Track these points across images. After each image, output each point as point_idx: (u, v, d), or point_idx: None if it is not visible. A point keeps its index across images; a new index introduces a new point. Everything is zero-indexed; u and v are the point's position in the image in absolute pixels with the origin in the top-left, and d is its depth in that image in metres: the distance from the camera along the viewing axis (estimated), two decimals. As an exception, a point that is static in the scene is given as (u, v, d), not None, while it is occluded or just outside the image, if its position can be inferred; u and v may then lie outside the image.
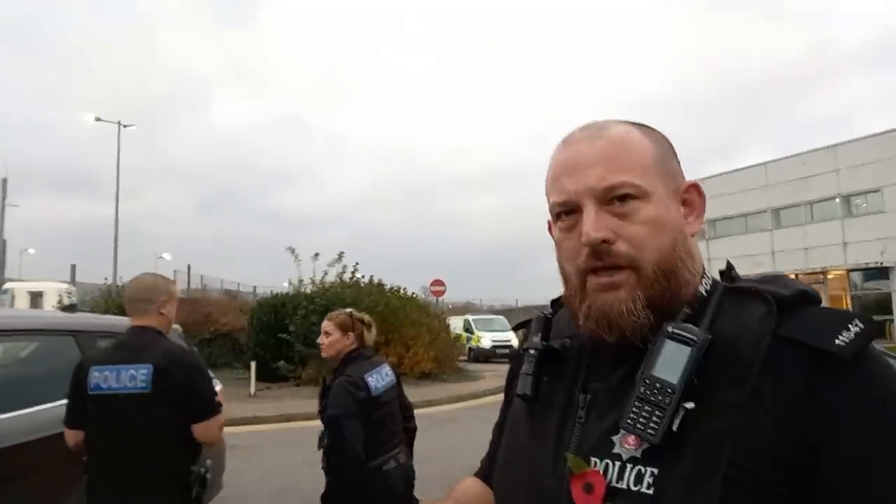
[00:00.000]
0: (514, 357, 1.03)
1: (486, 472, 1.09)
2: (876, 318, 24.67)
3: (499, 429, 1.08)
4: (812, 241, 27.30)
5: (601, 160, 0.83)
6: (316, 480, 6.52)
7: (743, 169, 30.72)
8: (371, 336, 3.44)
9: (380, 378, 3.23)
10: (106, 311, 15.97)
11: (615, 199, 0.82)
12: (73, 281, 26.85)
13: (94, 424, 2.49)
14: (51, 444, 3.52)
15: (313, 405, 11.54)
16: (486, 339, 23.66)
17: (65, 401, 3.53)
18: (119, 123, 27.33)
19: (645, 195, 0.82)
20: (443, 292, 24.17)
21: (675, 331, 0.77)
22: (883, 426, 0.69)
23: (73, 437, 2.58)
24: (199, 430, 2.53)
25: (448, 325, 19.68)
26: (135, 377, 2.43)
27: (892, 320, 24.52)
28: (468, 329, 24.67)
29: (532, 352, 0.93)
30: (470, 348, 23.55)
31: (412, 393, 14.20)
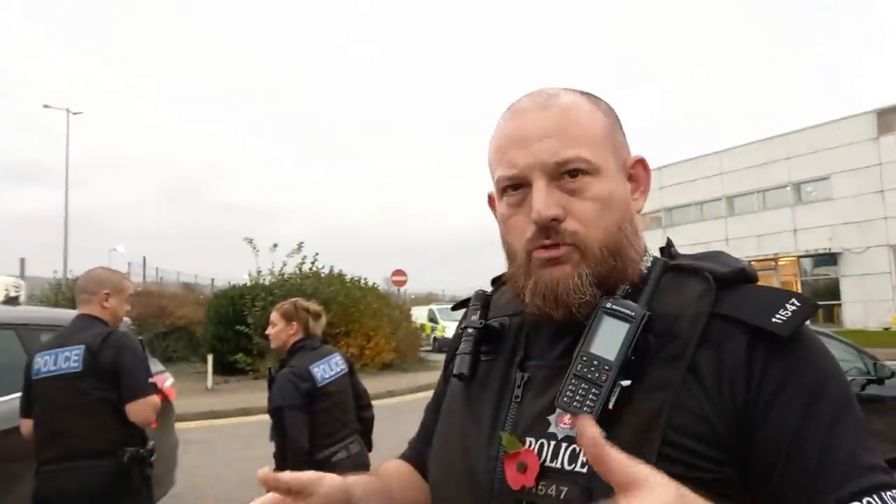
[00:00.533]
0: (453, 337, 1.00)
1: (412, 454, 1.07)
2: (825, 303, 25.58)
3: (431, 410, 1.06)
4: (764, 228, 28.04)
5: (552, 132, 0.80)
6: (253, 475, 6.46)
7: (699, 157, 31.32)
8: (319, 325, 3.42)
9: (328, 368, 3.22)
10: (56, 305, 15.52)
11: (566, 173, 0.79)
12: (21, 274, 25.93)
13: (37, 406, 2.63)
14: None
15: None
16: (450, 329, 23.64)
17: (7, 396, 3.45)
18: (68, 111, 26.45)
19: (595, 171, 0.80)
20: (404, 282, 24.14)
21: (614, 307, 0.76)
22: (818, 404, 0.69)
23: (25, 426, 2.70)
24: (131, 410, 2.59)
25: (410, 315, 19.67)
26: (69, 358, 2.56)
27: (840, 305, 25.40)
28: (433, 319, 24.67)
29: (470, 330, 0.91)
30: (434, 338, 23.54)
31: (373, 383, 14.13)
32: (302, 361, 3.18)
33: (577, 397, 0.73)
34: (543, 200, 0.78)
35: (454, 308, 1.07)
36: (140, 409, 2.61)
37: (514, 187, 0.83)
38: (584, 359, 0.75)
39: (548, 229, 0.78)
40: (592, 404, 0.72)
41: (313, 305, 3.45)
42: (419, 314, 23.10)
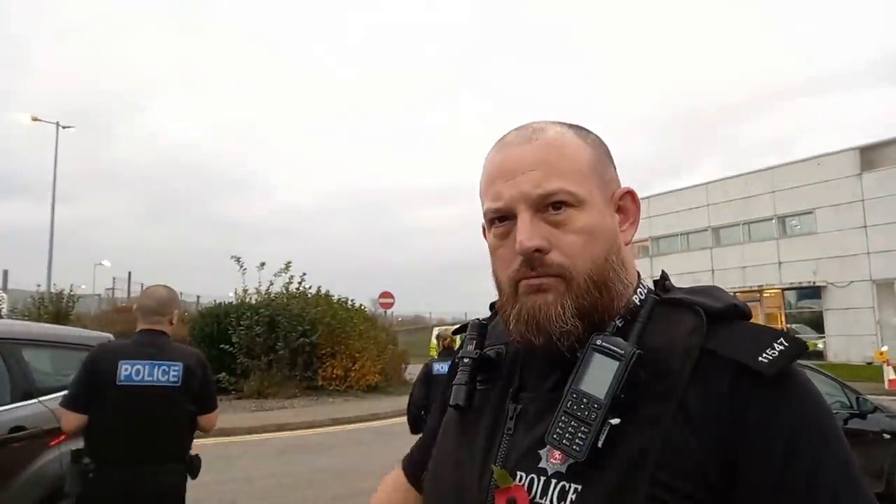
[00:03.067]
0: (451, 364, 1.00)
1: (413, 463, 1.08)
2: (809, 336, 25.76)
3: (430, 431, 1.05)
4: (749, 259, 28.26)
5: (537, 165, 0.81)
6: (254, 497, 6.37)
7: (686, 188, 31.64)
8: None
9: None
10: (38, 319, 15.32)
11: (550, 206, 0.80)
12: (4, 287, 25.62)
13: (118, 411, 2.75)
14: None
15: (255, 418, 11.30)
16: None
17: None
18: (58, 124, 26.28)
19: (580, 203, 0.81)
20: (391, 304, 24.05)
21: (604, 344, 0.76)
22: (799, 445, 0.69)
23: (76, 420, 2.79)
24: (204, 420, 2.98)
25: (396, 338, 19.56)
26: (167, 372, 2.81)
27: (824, 338, 25.56)
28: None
29: (466, 360, 0.91)
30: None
31: (358, 406, 14.08)
32: None
33: (567, 434, 0.73)
34: (527, 232, 0.79)
35: (456, 332, 1.08)
36: (212, 419, 3.04)
37: (500, 219, 0.84)
38: (574, 396, 0.75)
39: (532, 261, 0.79)
40: (582, 442, 0.71)
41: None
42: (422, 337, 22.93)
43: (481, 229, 0.94)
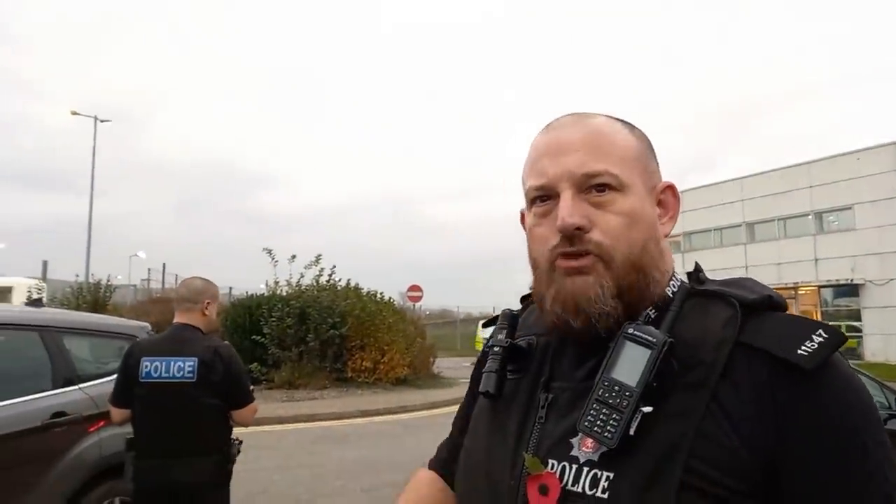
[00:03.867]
0: (480, 354, 1.01)
1: (439, 464, 1.08)
2: (846, 334, 25.11)
3: (459, 420, 1.06)
4: (785, 256, 27.70)
5: (583, 146, 0.82)
6: (285, 486, 6.47)
7: (719, 183, 31.08)
8: None
9: None
10: (77, 308, 15.70)
11: (593, 187, 0.81)
12: (44, 277, 26.27)
13: (145, 406, 2.88)
14: (12, 443, 3.44)
15: (286, 408, 11.41)
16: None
17: (29, 397, 3.52)
18: (96, 118, 26.87)
19: (623, 187, 0.81)
20: (420, 298, 24.13)
21: (636, 332, 0.76)
22: (840, 439, 0.68)
23: (119, 414, 2.98)
24: (237, 415, 3.00)
25: (425, 332, 19.62)
26: (182, 368, 2.85)
27: (861, 337, 24.97)
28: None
29: (497, 349, 0.91)
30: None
31: (387, 398, 14.07)
32: None
33: (599, 422, 0.73)
34: (569, 209, 0.79)
35: (485, 325, 1.08)
36: (246, 414, 3.03)
37: (542, 199, 0.84)
38: (606, 384, 0.74)
39: (572, 238, 0.79)
40: (614, 430, 0.71)
41: None
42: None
43: (519, 216, 0.94)
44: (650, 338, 0.75)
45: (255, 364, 14.10)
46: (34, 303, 4.49)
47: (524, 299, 1.02)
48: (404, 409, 12.05)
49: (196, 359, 2.88)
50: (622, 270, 0.79)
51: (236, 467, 3.11)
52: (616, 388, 0.73)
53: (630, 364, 0.74)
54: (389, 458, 7.75)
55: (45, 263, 26.93)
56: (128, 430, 2.99)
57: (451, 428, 1.11)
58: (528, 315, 0.97)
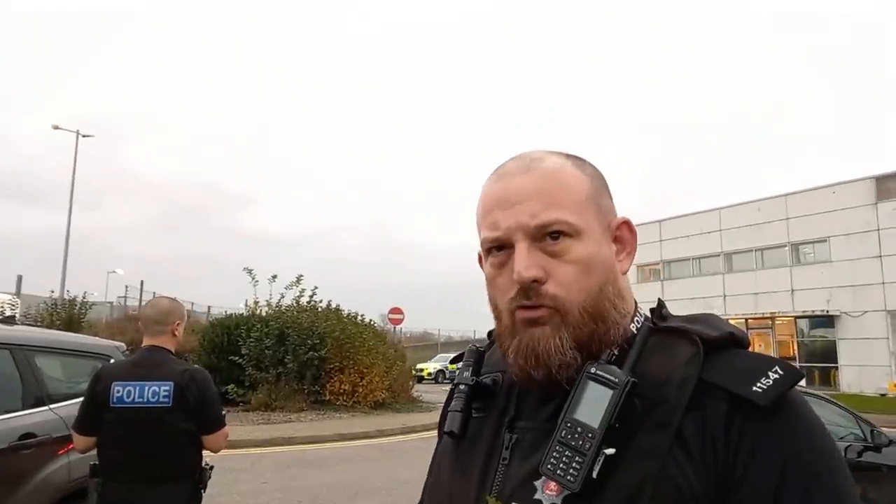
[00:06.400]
0: (449, 392, 1.00)
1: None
2: (821, 365, 25.44)
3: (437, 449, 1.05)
4: (762, 286, 28.03)
5: (534, 195, 0.81)
6: (259, 511, 6.34)
7: (698, 213, 31.50)
8: None
9: None
10: (50, 325, 15.41)
11: (547, 235, 0.80)
12: (17, 292, 25.78)
13: (116, 432, 2.77)
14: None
15: (262, 431, 11.25)
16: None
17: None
18: (78, 133, 26.66)
19: (577, 233, 0.81)
20: (401, 321, 24.05)
21: (598, 372, 0.76)
22: (790, 474, 0.69)
23: (83, 442, 2.86)
24: (208, 440, 2.91)
25: (405, 355, 19.51)
26: (157, 392, 2.77)
27: (836, 368, 25.24)
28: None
29: (462, 387, 0.90)
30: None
31: (365, 422, 13.96)
32: None
33: (562, 464, 0.72)
34: (524, 262, 0.79)
35: (452, 361, 1.07)
36: (218, 440, 2.95)
37: (498, 248, 0.84)
38: (569, 425, 0.74)
39: (528, 290, 0.79)
40: (576, 473, 0.71)
41: None
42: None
43: (477, 258, 0.94)
44: (612, 377, 0.74)
45: (232, 385, 13.91)
46: (7, 320, 4.40)
47: (490, 334, 1.01)
48: (382, 434, 11.92)
49: (172, 383, 2.80)
50: (578, 321, 0.79)
51: (210, 491, 3.06)
52: (579, 429, 0.73)
53: (592, 404, 0.74)
54: (365, 482, 7.65)
55: (19, 278, 26.44)
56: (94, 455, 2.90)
57: (429, 460, 1.08)
58: (494, 351, 0.96)
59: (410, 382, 18.35)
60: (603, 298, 0.81)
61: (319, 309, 15.94)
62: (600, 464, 0.70)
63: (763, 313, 27.39)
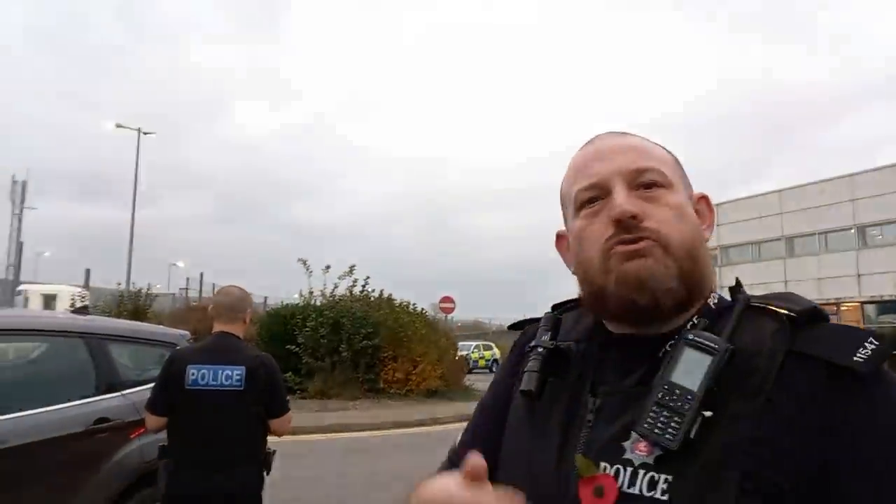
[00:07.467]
0: (513, 352, 1.02)
1: (455, 461, 1.01)
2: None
3: (482, 410, 1.05)
4: (826, 271, 27.05)
5: (630, 150, 0.87)
6: (315, 496, 6.51)
7: (758, 196, 30.55)
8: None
9: None
10: (118, 316, 16.10)
11: (642, 185, 0.84)
12: (86, 285, 27.03)
13: (189, 413, 2.91)
14: (57, 447, 3.54)
15: (319, 418, 11.46)
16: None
17: (73, 402, 3.61)
18: (139, 130, 27.71)
19: (670, 185, 0.85)
20: (452, 309, 24.15)
21: (696, 338, 0.77)
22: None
23: (156, 422, 2.99)
24: (275, 424, 3.06)
25: (456, 343, 19.60)
26: (230, 376, 2.91)
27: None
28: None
29: (540, 349, 0.90)
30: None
31: (419, 409, 14.04)
32: None
33: (659, 424, 0.73)
34: (625, 198, 0.81)
35: (512, 327, 1.08)
36: (284, 424, 3.10)
37: (591, 201, 0.86)
38: (666, 387, 0.75)
39: (628, 226, 0.80)
40: (675, 432, 0.72)
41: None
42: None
43: (555, 239, 0.95)
44: (712, 344, 0.75)
45: (290, 374, 14.25)
46: (80, 310, 4.63)
47: (555, 307, 1.02)
48: (437, 422, 12.06)
49: (244, 367, 2.92)
50: (680, 254, 0.80)
51: (278, 473, 3.16)
52: (677, 391, 0.74)
53: (690, 369, 0.75)
54: (422, 469, 7.70)
55: (87, 271, 27.70)
56: (164, 437, 3.03)
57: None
58: (564, 322, 0.97)
59: (463, 370, 18.43)
60: (698, 245, 0.83)
61: (372, 298, 16.16)
62: (697, 425, 0.72)
63: (828, 299, 26.40)
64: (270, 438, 3.11)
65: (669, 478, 0.72)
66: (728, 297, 0.88)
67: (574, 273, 0.90)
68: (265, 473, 3.07)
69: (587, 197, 0.86)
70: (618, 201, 0.81)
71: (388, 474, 7.54)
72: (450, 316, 24.75)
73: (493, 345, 33.36)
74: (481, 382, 18.77)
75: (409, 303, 17.09)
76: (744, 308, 0.82)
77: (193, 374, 2.89)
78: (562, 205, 0.93)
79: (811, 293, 26.84)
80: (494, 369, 29.91)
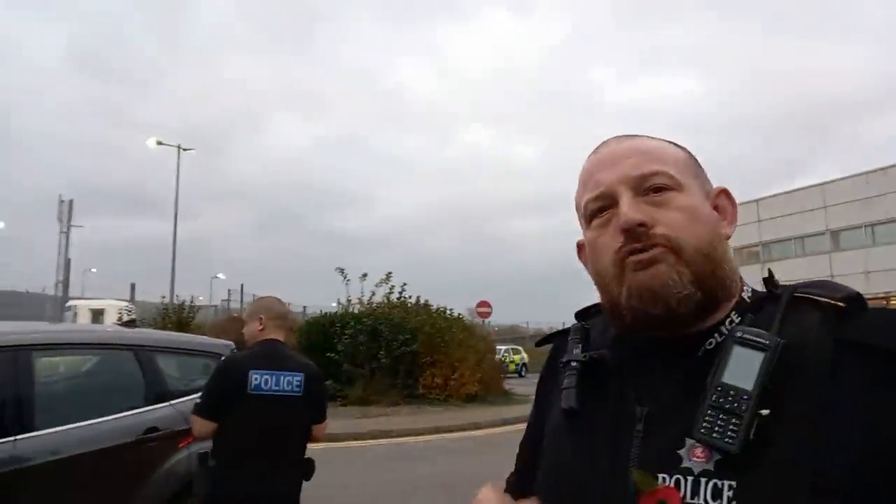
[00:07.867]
0: (546, 369, 1.00)
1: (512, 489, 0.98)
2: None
3: (527, 445, 1.01)
4: (874, 264, 26.21)
5: (635, 153, 0.84)
6: (358, 501, 6.55)
7: (800, 189, 29.80)
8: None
9: None
10: (163, 328, 16.49)
11: (650, 189, 0.81)
12: (132, 299, 27.76)
13: (248, 419, 2.92)
14: (109, 457, 3.66)
15: (360, 425, 11.53)
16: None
17: (124, 413, 3.72)
18: (179, 147, 28.29)
19: (679, 186, 0.81)
20: (489, 314, 24.09)
21: (744, 336, 0.74)
22: None
23: (205, 427, 2.98)
24: (318, 429, 3.16)
25: (493, 348, 19.53)
26: (290, 382, 2.99)
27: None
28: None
29: (574, 364, 0.88)
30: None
31: (459, 415, 13.99)
32: None
33: (717, 428, 0.70)
34: (630, 207, 0.79)
35: (539, 344, 1.05)
36: (323, 429, 3.22)
37: (600, 211, 0.84)
38: (719, 389, 0.72)
39: (637, 236, 0.78)
40: (735, 434, 0.69)
41: None
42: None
43: (576, 248, 0.94)
44: (762, 340, 0.73)
45: (330, 381, 14.39)
46: (128, 323, 4.77)
47: (579, 315, 1.00)
48: (477, 427, 12.03)
49: (303, 374, 3.02)
50: (694, 259, 0.77)
51: (314, 481, 3.20)
52: (731, 392, 0.71)
53: (741, 368, 0.72)
54: (464, 474, 7.75)
55: (132, 286, 28.45)
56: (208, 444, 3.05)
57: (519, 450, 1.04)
58: (592, 329, 0.95)
59: (502, 375, 18.36)
60: (715, 245, 0.80)
61: (409, 305, 16.24)
62: (755, 425, 0.69)
63: (876, 293, 25.55)
64: (311, 445, 3.15)
65: (734, 483, 0.69)
66: (761, 289, 0.85)
67: (594, 282, 0.88)
68: (308, 478, 3.12)
69: (596, 207, 0.85)
70: (623, 209, 0.79)
71: (431, 480, 7.55)
72: (487, 321, 24.68)
73: (521, 349, 33.54)
74: (520, 387, 18.69)
75: (445, 308, 17.13)
76: (790, 299, 0.78)
77: (256, 380, 2.93)
78: (577, 215, 0.91)
79: (859, 287, 25.46)
80: (523, 373, 29.79)
